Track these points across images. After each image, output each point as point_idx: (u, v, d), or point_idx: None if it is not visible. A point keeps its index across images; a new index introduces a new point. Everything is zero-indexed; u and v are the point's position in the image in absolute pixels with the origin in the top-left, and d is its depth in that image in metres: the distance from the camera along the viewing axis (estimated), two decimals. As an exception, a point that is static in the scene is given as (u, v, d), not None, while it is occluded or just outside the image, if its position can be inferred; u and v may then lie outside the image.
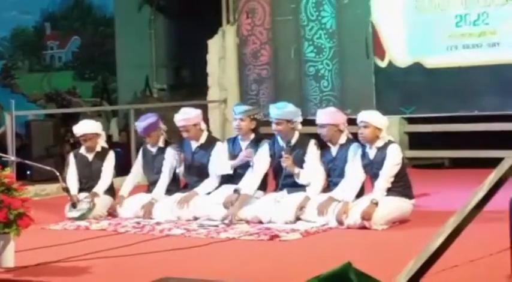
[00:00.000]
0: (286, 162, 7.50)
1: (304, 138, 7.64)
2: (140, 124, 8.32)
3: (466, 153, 11.42)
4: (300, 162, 7.55)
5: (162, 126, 8.36)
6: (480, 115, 11.23)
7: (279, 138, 7.68)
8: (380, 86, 11.97)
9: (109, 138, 16.37)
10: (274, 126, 7.62)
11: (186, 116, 8.09)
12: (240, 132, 7.93)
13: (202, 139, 8.15)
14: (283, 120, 7.58)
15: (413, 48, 11.72)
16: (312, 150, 7.56)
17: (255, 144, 7.85)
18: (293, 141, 7.60)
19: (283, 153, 7.54)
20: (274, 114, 7.63)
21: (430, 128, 11.79)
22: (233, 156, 7.96)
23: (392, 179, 7.08)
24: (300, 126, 7.66)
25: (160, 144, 8.33)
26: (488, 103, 11.15)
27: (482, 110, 11.22)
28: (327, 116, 7.52)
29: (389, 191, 7.07)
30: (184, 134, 8.10)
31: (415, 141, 11.97)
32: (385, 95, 11.92)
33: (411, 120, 12.01)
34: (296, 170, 7.50)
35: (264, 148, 7.74)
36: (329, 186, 7.50)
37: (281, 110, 7.65)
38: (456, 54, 11.40)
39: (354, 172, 7.25)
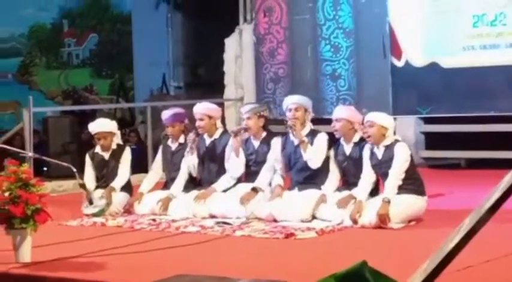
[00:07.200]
0: (294, 122, 7.49)
1: (316, 131, 7.67)
2: (168, 112, 8.38)
3: (482, 154, 11.38)
4: None
5: (187, 122, 8.40)
6: (497, 116, 11.19)
7: (290, 135, 7.68)
8: (396, 85, 11.94)
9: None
10: (292, 114, 7.61)
11: (206, 105, 8.27)
12: (250, 132, 7.94)
13: (216, 135, 8.17)
14: (301, 106, 7.63)
15: (430, 48, 11.69)
16: (321, 138, 7.53)
17: (267, 142, 7.86)
18: (304, 132, 7.60)
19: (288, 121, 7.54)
20: (293, 100, 7.72)
21: (447, 128, 11.76)
22: (247, 155, 7.97)
23: (402, 176, 7.05)
24: (309, 123, 7.70)
25: (181, 140, 8.36)
26: (505, 104, 11.10)
27: (498, 111, 11.17)
28: (343, 110, 7.64)
29: (402, 189, 7.05)
30: (198, 124, 8.10)
31: (432, 141, 11.94)
32: (402, 95, 11.89)
33: (427, 120, 11.98)
34: (304, 138, 7.50)
35: (276, 145, 7.74)
36: (344, 185, 7.50)
37: (299, 97, 7.82)
38: (473, 55, 11.36)
39: (364, 172, 7.26)
